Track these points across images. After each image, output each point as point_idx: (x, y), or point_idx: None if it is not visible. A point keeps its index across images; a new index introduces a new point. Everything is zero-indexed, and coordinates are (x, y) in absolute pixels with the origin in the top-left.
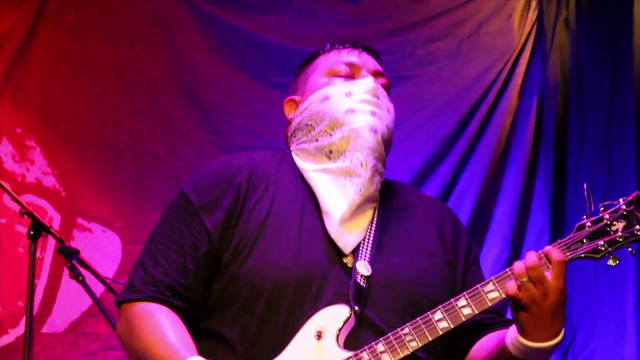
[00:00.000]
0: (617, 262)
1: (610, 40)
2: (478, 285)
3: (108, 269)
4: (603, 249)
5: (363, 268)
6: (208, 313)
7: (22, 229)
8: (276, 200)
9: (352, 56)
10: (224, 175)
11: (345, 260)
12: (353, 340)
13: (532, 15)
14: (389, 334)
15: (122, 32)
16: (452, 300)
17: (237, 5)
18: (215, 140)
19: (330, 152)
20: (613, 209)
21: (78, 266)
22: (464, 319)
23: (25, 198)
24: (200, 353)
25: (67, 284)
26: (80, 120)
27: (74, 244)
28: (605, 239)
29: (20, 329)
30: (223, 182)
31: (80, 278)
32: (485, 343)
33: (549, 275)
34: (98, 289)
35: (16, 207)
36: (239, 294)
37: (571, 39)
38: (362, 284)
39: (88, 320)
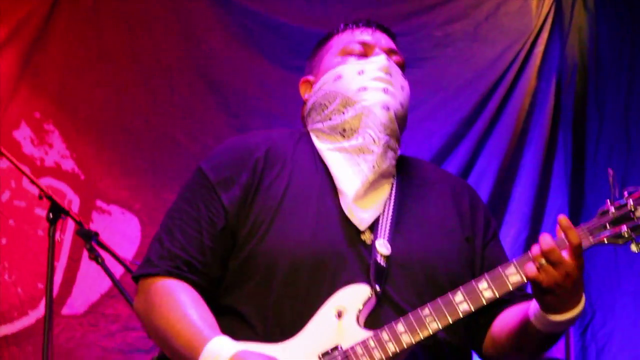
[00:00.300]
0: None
1: (629, 19)
2: (499, 268)
3: (127, 251)
4: (626, 235)
5: (382, 247)
6: (225, 290)
7: (42, 212)
8: (293, 179)
9: (366, 35)
10: (241, 152)
11: (363, 237)
12: (373, 319)
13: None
14: (409, 314)
15: (140, 17)
16: (473, 282)
17: None
18: (233, 123)
19: (344, 130)
20: (637, 194)
21: (97, 248)
22: (485, 303)
23: (44, 181)
24: (222, 331)
25: (87, 265)
26: (98, 105)
27: (93, 227)
28: (629, 224)
29: (40, 311)
30: (240, 159)
31: (100, 260)
32: (508, 319)
33: (565, 254)
34: (117, 270)
35: (35, 191)
36: (256, 271)
37: (589, 20)
38: (382, 263)
39: (108, 301)
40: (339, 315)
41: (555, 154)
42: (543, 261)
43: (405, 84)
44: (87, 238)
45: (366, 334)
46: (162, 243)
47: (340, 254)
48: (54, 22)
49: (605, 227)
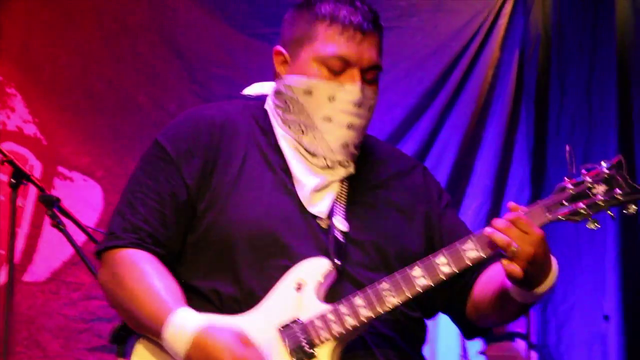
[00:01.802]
0: (597, 225)
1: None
2: (457, 243)
3: (89, 218)
4: (583, 212)
5: (340, 224)
6: (183, 264)
7: (3, 177)
8: (250, 154)
9: (351, 44)
10: (197, 125)
11: (319, 219)
12: (332, 294)
13: None
14: (367, 288)
15: None
16: (430, 257)
17: None
18: (197, 90)
19: (300, 143)
20: (595, 172)
21: (59, 215)
22: (444, 278)
23: (6, 146)
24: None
25: (49, 232)
26: (61, 68)
27: (55, 193)
28: (586, 202)
29: (1, 278)
30: (197, 132)
31: (62, 227)
32: (488, 286)
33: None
34: (79, 238)
35: None
36: (213, 245)
37: None
38: (340, 238)
39: (69, 269)
40: (299, 287)
41: (517, 127)
42: (514, 231)
43: (376, 99)
44: (49, 204)
45: (325, 307)
46: (123, 216)
47: (296, 229)
48: None
49: (563, 204)
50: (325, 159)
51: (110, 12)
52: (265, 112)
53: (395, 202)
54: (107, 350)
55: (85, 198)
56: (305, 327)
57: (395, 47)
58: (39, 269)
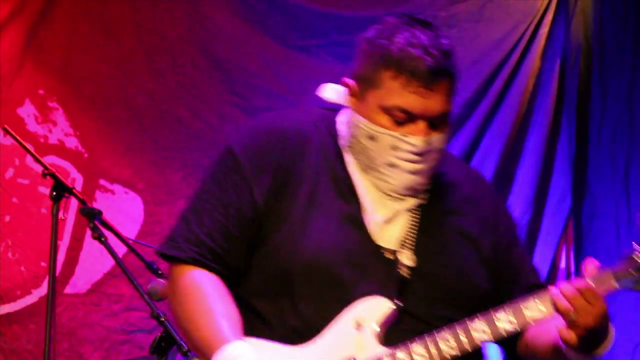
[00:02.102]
0: None
1: (632, 2)
2: (519, 300)
3: (130, 230)
4: None
5: (407, 259)
6: (244, 283)
7: (45, 190)
8: (320, 177)
9: (417, 99)
10: (273, 139)
11: (385, 251)
12: (392, 333)
13: None
14: (425, 337)
15: None
16: (491, 311)
17: None
18: (237, 101)
19: (364, 172)
20: None
21: (100, 227)
22: (504, 335)
23: (48, 159)
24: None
25: (90, 245)
26: (102, 82)
27: (96, 205)
28: None
29: (43, 290)
30: (270, 147)
31: (103, 239)
32: (544, 333)
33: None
34: (120, 249)
35: (39, 169)
36: (274, 268)
37: (594, 2)
38: (405, 275)
39: (110, 281)
40: (358, 326)
41: (559, 136)
42: (580, 301)
43: (445, 142)
44: (91, 217)
45: (383, 350)
46: (189, 224)
47: (362, 264)
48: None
49: (630, 273)
50: (391, 188)
51: (149, 26)
52: (336, 127)
53: (466, 230)
54: None
55: (126, 210)
56: None
57: None
58: (80, 281)
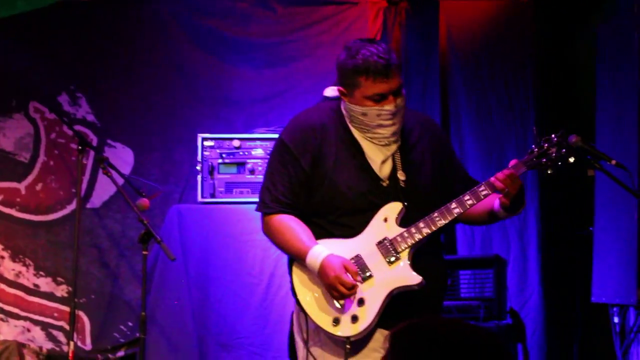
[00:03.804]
0: (552, 172)
1: (427, 34)
2: (475, 188)
3: (125, 170)
4: (544, 163)
5: (401, 177)
6: (310, 218)
7: (74, 145)
8: (339, 147)
9: (383, 85)
10: (305, 130)
11: (383, 181)
12: (405, 221)
13: (379, 19)
14: (426, 217)
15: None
16: (461, 196)
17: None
18: (193, 97)
19: (364, 132)
20: (549, 140)
21: (108, 168)
22: (468, 207)
23: (76, 127)
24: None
25: (101, 178)
26: (109, 80)
27: (105, 154)
28: (545, 158)
29: (73, 205)
30: (306, 136)
31: (109, 175)
32: (476, 207)
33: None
34: (120, 181)
35: (71, 133)
36: (327, 205)
37: (403, 34)
38: (403, 186)
39: (114, 200)
40: (385, 220)
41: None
42: (507, 181)
43: (404, 101)
44: (102, 161)
45: (402, 229)
46: (270, 191)
47: (375, 189)
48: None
49: (533, 160)
50: (383, 139)
51: (139, 45)
52: (342, 114)
53: (426, 151)
54: (136, 247)
55: (124, 158)
56: (391, 241)
57: (310, 68)
58: (96, 200)
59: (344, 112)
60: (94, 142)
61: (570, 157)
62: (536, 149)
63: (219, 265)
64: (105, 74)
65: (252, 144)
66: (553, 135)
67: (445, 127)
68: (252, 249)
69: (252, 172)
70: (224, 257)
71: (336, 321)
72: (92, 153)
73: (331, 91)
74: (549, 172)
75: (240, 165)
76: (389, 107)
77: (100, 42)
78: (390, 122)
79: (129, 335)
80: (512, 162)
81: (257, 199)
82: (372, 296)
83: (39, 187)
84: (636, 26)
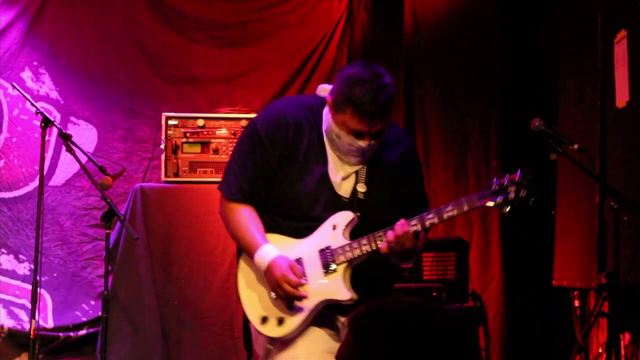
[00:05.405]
0: (507, 211)
1: (392, 18)
2: (441, 208)
3: (89, 148)
4: (498, 202)
5: (362, 187)
6: (265, 208)
7: (37, 122)
8: (309, 150)
9: (364, 126)
10: (279, 124)
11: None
12: (359, 233)
13: (344, 1)
14: (369, 235)
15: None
16: (419, 215)
17: None
18: (155, 72)
19: (333, 149)
20: (512, 177)
21: (71, 145)
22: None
23: (39, 104)
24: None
25: (64, 156)
26: (72, 58)
27: (68, 132)
28: (503, 196)
29: (36, 183)
30: (278, 131)
31: (72, 152)
32: None
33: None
34: (83, 159)
35: (34, 109)
36: (284, 202)
37: (368, 17)
38: (362, 197)
39: (77, 178)
40: (334, 228)
41: None
42: (396, 241)
43: (379, 142)
44: (65, 139)
45: (346, 241)
46: (235, 175)
47: (330, 201)
48: (45, 9)
49: (488, 196)
50: (349, 161)
51: (105, 24)
52: (321, 118)
53: (392, 168)
54: (99, 226)
55: (87, 136)
56: (332, 252)
57: (275, 47)
58: (59, 178)
59: (323, 116)
60: (57, 120)
61: (530, 198)
62: (494, 185)
63: (182, 245)
64: (68, 50)
65: (216, 123)
66: (517, 175)
67: (410, 114)
68: (215, 228)
69: (216, 151)
70: (187, 236)
71: (264, 320)
72: (55, 130)
73: (323, 91)
74: (505, 210)
75: (205, 144)
76: (362, 143)
77: (62, 16)
78: (358, 157)
79: (91, 314)
80: (466, 197)
81: (220, 179)
82: (302, 303)
83: (1, 163)
84: (597, 7)
